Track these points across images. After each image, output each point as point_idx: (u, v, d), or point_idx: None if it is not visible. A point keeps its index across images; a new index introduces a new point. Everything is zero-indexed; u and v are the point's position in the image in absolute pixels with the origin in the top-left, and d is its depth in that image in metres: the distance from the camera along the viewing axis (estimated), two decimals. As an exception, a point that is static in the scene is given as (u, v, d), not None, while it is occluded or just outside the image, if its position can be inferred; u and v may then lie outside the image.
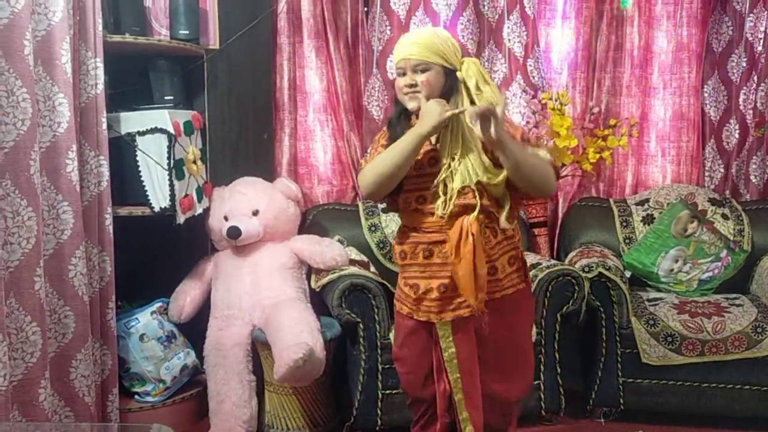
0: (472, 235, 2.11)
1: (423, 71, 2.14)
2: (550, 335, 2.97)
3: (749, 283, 3.45)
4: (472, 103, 2.14)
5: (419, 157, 2.18)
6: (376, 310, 2.84)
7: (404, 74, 2.17)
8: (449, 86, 2.17)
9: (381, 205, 2.65)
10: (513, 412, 2.41)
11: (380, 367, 2.85)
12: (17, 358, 2.37)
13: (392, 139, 2.18)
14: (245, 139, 3.40)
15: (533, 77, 3.72)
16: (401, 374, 2.41)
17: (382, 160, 2.15)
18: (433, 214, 2.18)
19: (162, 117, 2.85)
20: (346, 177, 3.73)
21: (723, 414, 3.01)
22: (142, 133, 2.84)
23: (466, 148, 2.14)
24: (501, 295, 2.23)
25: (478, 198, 2.13)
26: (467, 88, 2.17)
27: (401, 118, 2.23)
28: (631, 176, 3.91)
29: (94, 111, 2.69)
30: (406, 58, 2.15)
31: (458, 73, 2.17)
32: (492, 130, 1.99)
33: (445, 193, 2.15)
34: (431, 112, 2.08)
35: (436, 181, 2.15)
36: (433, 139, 2.18)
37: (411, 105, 2.17)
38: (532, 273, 2.99)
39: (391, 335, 2.83)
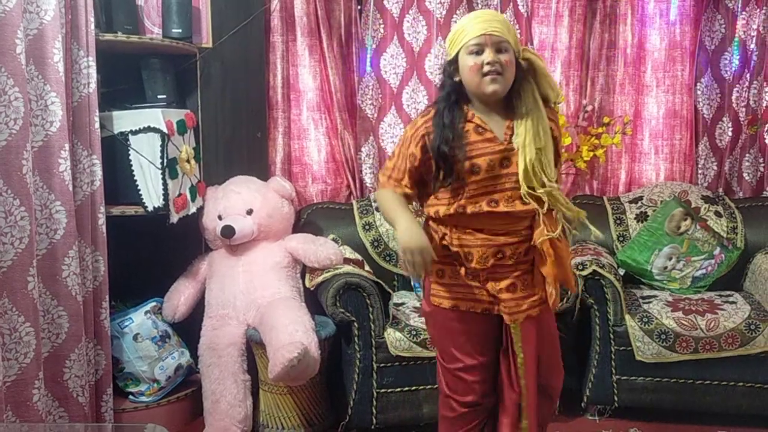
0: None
1: (504, 51, 1.95)
2: (544, 333, 2.97)
3: (742, 280, 3.46)
4: (544, 98, 2.04)
5: (492, 157, 2.02)
6: (370, 308, 2.84)
7: (479, 53, 1.96)
8: (519, 76, 2.01)
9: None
10: (557, 402, 2.39)
11: (375, 366, 2.85)
12: (11, 358, 2.36)
13: (434, 131, 2.03)
14: (239, 138, 3.39)
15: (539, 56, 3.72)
16: (473, 383, 2.18)
17: (383, 208, 2.14)
18: (503, 216, 2.04)
19: (155, 116, 2.84)
20: (340, 176, 3.73)
21: (717, 411, 3.02)
22: (135, 132, 2.83)
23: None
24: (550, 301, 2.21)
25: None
26: (536, 79, 2.03)
27: (453, 109, 2.03)
28: (625, 174, 3.91)
29: (86, 110, 2.68)
30: (489, 34, 1.94)
31: (522, 62, 2.02)
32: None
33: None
34: (412, 245, 1.94)
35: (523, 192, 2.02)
36: (502, 134, 2.03)
37: (491, 88, 1.97)
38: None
39: (387, 334, 2.84)
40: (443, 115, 2.04)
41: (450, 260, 2.14)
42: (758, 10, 3.67)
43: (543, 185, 2.02)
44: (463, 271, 2.12)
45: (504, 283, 2.10)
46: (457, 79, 2.05)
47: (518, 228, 2.09)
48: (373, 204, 3.54)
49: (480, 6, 3.71)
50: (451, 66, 2.06)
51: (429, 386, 2.86)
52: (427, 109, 2.14)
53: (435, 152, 2.04)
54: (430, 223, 2.18)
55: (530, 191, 2.02)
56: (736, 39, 3.75)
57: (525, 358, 2.14)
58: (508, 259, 2.09)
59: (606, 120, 3.73)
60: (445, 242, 2.12)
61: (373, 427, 2.88)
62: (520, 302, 2.11)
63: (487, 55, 1.95)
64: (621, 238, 3.57)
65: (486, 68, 1.96)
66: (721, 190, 3.82)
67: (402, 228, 1.99)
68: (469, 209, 2.05)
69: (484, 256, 2.08)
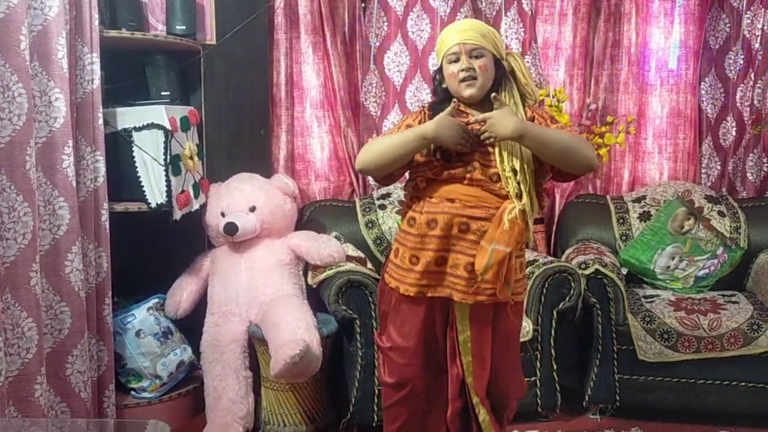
0: (525, 222, 2.08)
1: (478, 57, 2.11)
2: (546, 332, 2.97)
3: (745, 280, 3.46)
4: (522, 96, 2.16)
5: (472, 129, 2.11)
6: (372, 306, 2.84)
7: (456, 61, 2.12)
8: (499, 76, 2.14)
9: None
10: (511, 408, 2.39)
11: (377, 363, 2.85)
12: (13, 353, 2.36)
13: (436, 113, 2.13)
14: (242, 135, 3.39)
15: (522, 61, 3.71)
16: (399, 366, 2.25)
17: (383, 143, 2.14)
18: (476, 185, 2.12)
19: (158, 112, 2.84)
20: (343, 173, 3.73)
21: (718, 411, 3.02)
22: (138, 129, 2.83)
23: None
24: (519, 299, 2.23)
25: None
26: (515, 80, 2.16)
27: (444, 107, 2.14)
28: (628, 173, 3.91)
29: (90, 106, 2.68)
30: (462, 43, 2.10)
31: (505, 63, 2.15)
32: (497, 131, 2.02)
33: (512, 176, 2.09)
34: (443, 124, 2.05)
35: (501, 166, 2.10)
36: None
37: (467, 92, 2.12)
38: (528, 270, 3.00)
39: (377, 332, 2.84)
40: (439, 110, 2.15)
41: (419, 245, 2.17)
42: (763, 9, 3.66)
43: (521, 168, 2.10)
44: (427, 253, 2.15)
45: (463, 260, 2.12)
46: (444, 85, 2.21)
47: (488, 204, 2.12)
48: (376, 202, 3.54)
49: (484, 4, 3.70)
50: (439, 74, 2.22)
51: (431, 384, 2.86)
52: (423, 106, 2.29)
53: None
54: (408, 209, 2.25)
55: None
56: (740, 38, 3.74)
57: (473, 338, 2.19)
58: (471, 234, 2.11)
59: (609, 119, 3.73)
60: (413, 226, 2.18)
61: (374, 424, 2.88)
62: (474, 284, 2.11)
63: (462, 63, 2.11)
64: (624, 238, 3.56)
65: (461, 75, 2.12)
66: (724, 189, 3.81)
67: (425, 129, 2.08)
68: (446, 173, 2.14)
69: (449, 224, 2.12)
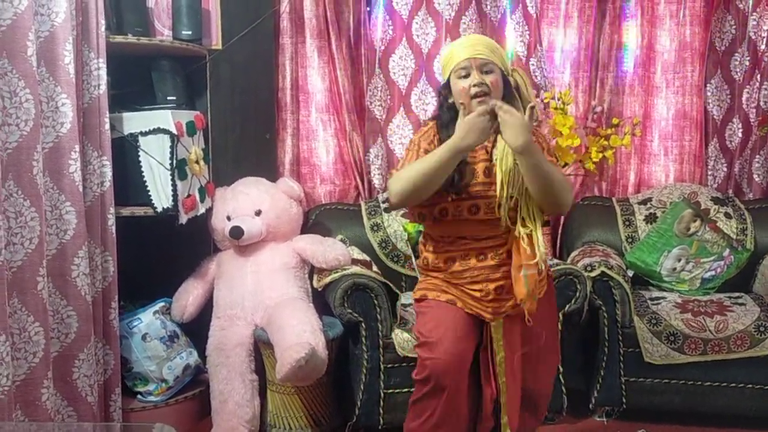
0: (537, 246, 2.11)
1: (489, 72, 2.08)
2: (552, 334, 2.97)
3: (752, 282, 3.44)
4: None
5: (474, 166, 2.14)
6: (378, 309, 2.84)
7: (466, 76, 2.08)
8: (507, 92, 2.12)
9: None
10: (545, 407, 2.42)
11: (382, 366, 2.85)
12: (20, 358, 2.38)
13: (442, 140, 2.11)
14: (248, 139, 3.40)
15: (536, 76, 3.72)
16: (428, 360, 2.19)
17: (416, 171, 2.05)
18: (486, 222, 2.16)
19: (164, 117, 2.85)
20: (349, 177, 3.73)
21: (725, 413, 3.01)
22: (144, 134, 2.85)
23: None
24: (541, 293, 2.25)
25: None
26: (521, 97, 2.13)
27: (453, 122, 2.10)
28: (634, 175, 3.90)
29: (96, 111, 2.70)
30: (473, 57, 2.07)
31: (511, 79, 2.14)
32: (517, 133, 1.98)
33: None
34: (474, 127, 1.98)
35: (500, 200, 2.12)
36: (484, 151, 2.15)
37: (481, 109, 2.05)
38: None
39: (394, 335, 2.84)
40: (447, 126, 2.15)
41: (444, 283, 2.26)
42: (769, 10, 3.66)
43: (520, 194, 2.11)
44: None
45: (491, 286, 2.18)
46: (451, 101, 2.18)
47: (498, 233, 2.18)
48: (381, 205, 3.55)
49: (489, 7, 3.71)
50: (446, 89, 2.19)
51: (436, 387, 2.85)
52: (425, 122, 2.27)
53: None
54: (422, 248, 2.34)
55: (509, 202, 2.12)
56: (746, 40, 3.73)
57: (506, 357, 2.22)
58: (490, 260, 2.18)
59: (615, 121, 3.72)
60: (428, 266, 2.28)
61: (380, 427, 2.88)
62: (503, 303, 2.18)
63: (474, 78, 2.08)
64: (630, 240, 3.56)
65: (473, 90, 2.08)
66: (730, 191, 3.80)
67: (456, 141, 2.01)
68: (451, 213, 2.17)
69: (467, 257, 2.19)
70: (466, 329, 2.23)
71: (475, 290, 2.20)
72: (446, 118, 2.17)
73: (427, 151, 2.13)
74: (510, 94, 2.14)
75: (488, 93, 2.07)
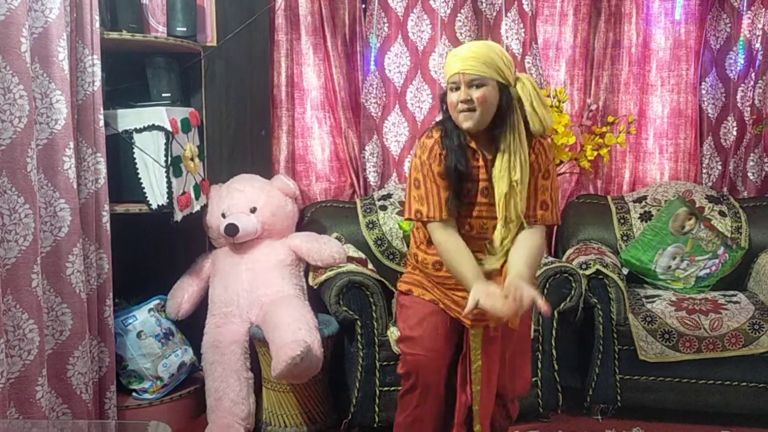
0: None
1: (479, 86, 2.05)
2: (547, 332, 2.97)
3: (746, 280, 3.45)
4: (525, 123, 2.10)
5: (470, 186, 2.16)
6: (373, 307, 2.84)
7: (457, 89, 2.08)
8: (505, 103, 2.08)
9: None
10: (515, 408, 2.44)
11: (378, 364, 2.85)
12: (14, 355, 2.37)
13: (447, 150, 2.12)
14: (243, 136, 3.39)
15: (531, 74, 3.72)
16: (409, 355, 2.26)
17: (445, 259, 2.17)
18: (476, 239, 2.19)
19: (159, 114, 2.84)
20: (344, 174, 3.73)
21: (720, 411, 3.02)
22: (139, 131, 2.84)
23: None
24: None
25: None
26: (521, 107, 2.09)
27: (455, 130, 2.14)
28: (629, 173, 3.91)
29: (91, 108, 2.69)
30: (461, 72, 2.05)
31: (512, 90, 2.09)
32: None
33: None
34: (499, 309, 1.99)
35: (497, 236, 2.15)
36: (484, 170, 2.16)
37: (466, 125, 2.09)
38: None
39: (390, 332, 2.84)
40: (452, 137, 2.14)
41: (428, 284, 2.30)
42: (764, 9, 3.66)
43: (518, 216, 2.13)
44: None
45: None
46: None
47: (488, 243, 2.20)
48: (376, 203, 3.55)
49: (485, 5, 3.70)
50: (445, 96, 2.19)
51: (432, 385, 2.86)
52: (430, 131, 2.22)
53: (451, 171, 2.13)
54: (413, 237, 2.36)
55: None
56: (741, 38, 3.75)
57: (483, 366, 2.23)
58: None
59: (610, 119, 3.73)
60: (417, 263, 2.31)
61: (375, 425, 2.89)
62: (485, 313, 2.12)
63: (461, 93, 2.07)
64: (625, 238, 3.56)
65: (459, 106, 2.08)
66: (725, 189, 3.81)
67: (477, 290, 2.04)
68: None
69: None
70: (447, 330, 2.27)
71: (458, 296, 2.21)
72: (450, 126, 2.16)
73: (440, 174, 2.13)
74: (508, 106, 2.09)
75: (473, 110, 2.06)
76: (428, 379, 2.27)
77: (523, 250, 2.12)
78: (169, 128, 2.83)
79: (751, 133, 3.74)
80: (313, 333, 2.77)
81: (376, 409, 2.87)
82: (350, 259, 3.14)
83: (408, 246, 3.30)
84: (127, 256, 2.96)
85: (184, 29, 3.06)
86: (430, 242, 2.24)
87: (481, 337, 2.21)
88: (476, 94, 2.05)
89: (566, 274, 2.95)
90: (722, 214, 3.55)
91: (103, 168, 2.73)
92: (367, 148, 3.73)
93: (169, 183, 2.84)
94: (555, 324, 2.98)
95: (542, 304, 1.96)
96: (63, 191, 2.54)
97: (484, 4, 3.71)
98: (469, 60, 2.06)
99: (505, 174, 2.09)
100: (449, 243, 2.15)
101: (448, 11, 3.65)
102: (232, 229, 3.02)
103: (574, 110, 3.81)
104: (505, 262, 2.16)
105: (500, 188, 2.10)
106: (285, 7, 3.52)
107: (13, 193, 2.33)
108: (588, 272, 3.04)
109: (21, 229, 2.35)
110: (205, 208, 3.16)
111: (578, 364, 3.19)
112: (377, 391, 2.86)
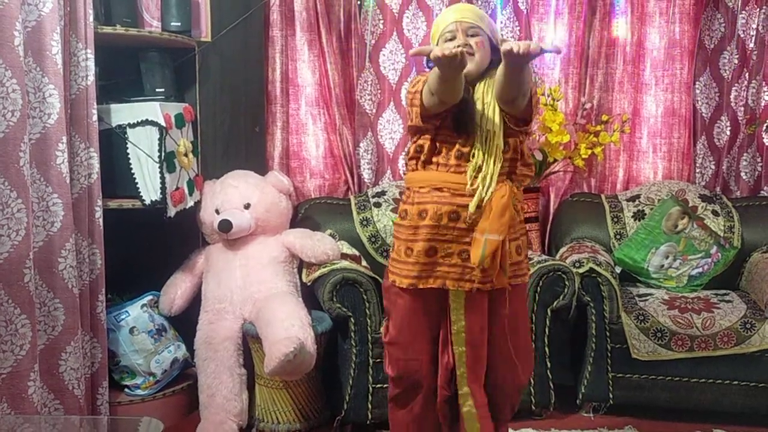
0: (512, 207, 2.08)
1: (474, 35, 2.10)
2: (540, 330, 2.98)
3: (739, 279, 3.47)
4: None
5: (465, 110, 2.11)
6: (367, 304, 2.84)
7: (452, 39, 2.11)
8: (495, 59, 2.09)
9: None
10: (517, 400, 2.40)
11: (371, 361, 2.85)
12: (6, 350, 2.36)
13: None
14: (237, 132, 3.39)
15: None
16: (398, 360, 2.27)
17: (434, 78, 2.01)
18: (463, 175, 2.11)
19: (153, 109, 2.83)
20: (339, 171, 3.73)
21: (711, 409, 3.03)
22: (132, 126, 2.83)
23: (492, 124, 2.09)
24: (520, 281, 2.23)
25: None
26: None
27: None
28: (623, 172, 3.92)
29: (84, 103, 2.67)
30: (458, 21, 2.11)
31: (500, 47, 2.02)
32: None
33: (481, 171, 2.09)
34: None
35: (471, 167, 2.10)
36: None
37: (467, 67, 2.04)
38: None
39: (383, 329, 2.84)
40: None
41: (412, 237, 2.18)
42: (758, 9, 3.67)
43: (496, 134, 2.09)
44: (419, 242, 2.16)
45: (455, 248, 2.14)
46: None
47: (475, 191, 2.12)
48: (371, 200, 3.54)
49: (479, 2, 3.69)
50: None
51: (425, 382, 2.86)
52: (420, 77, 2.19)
53: None
54: (400, 202, 2.28)
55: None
56: (735, 38, 3.75)
57: (467, 327, 2.19)
58: (461, 222, 2.12)
59: (604, 118, 3.73)
60: (405, 218, 2.20)
61: (368, 422, 2.89)
62: (468, 271, 2.13)
63: (459, 39, 2.10)
64: (618, 236, 3.57)
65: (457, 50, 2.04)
66: (718, 189, 3.82)
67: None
68: (441, 161, 2.15)
69: (438, 213, 2.13)
70: (426, 327, 2.24)
71: (438, 252, 2.15)
72: None
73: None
74: (499, 60, 2.07)
75: (472, 53, 2.09)
76: (419, 381, 2.27)
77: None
78: (163, 123, 2.82)
79: (744, 132, 3.76)
80: (306, 330, 2.76)
81: (369, 406, 2.87)
82: (344, 256, 3.14)
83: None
84: (120, 252, 2.95)
85: (179, 24, 3.05)
86: (414, 191, 2.19)
87: (463, 298, 2.17)
88: (474, 40, 2.10)
89: (559, 273, 2.95)
90: (715, 213, 3.56)
91: (96, 163, 2.72)
92: (361, 145, 3.73)
93: (162, 178, 2.83)
94: (548, 322, 2.98)
95: (549, 45, 1.90)
96: (56, 186, 2.53)
97: (479, 2, 3.70)
98: (465, 11, 2.15)
99: (488, 92, 2.10)
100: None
101: (443, 8, 3.64)
102: (225, 225, 3.02)
103: (568, 109, 3.81)
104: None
105: (485, 103, 2.09)
106: (280, 2, 3.51)
107: (6, 188, 2.32)
108: (581, 270, 3.04)
109: (13, 223, 2.34)
110: (198, 203, 3.16)
111: (571, 362, 3.20)
112: (370, 388, 2.86)
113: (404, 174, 2.28)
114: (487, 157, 2.10)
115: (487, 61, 2.13)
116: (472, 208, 2.10)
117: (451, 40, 2.11)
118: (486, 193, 2.09)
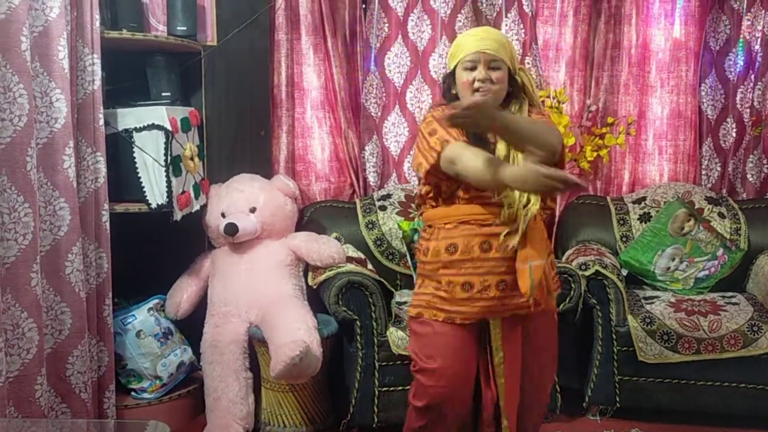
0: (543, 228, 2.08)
1: (495, 69, 2.07)
2: (546, 333, 2.97)
3: (745, 281, 3.46)
4: (531, 105, 2.15)
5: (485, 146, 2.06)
6: (373, 307, 2.84)
7: (473, 69, 2.07)
8: (511, 90, 2.11)
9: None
10: (542, 418, 2.38)
11: (377, 364, 2.85)
12: (13, 354, 2.37)
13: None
14: (243, 136, 3.39)
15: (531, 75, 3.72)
16: (428, 387, 2.15)
17: (465, 168, 1.96)
18: (492, 203, 2.06)
19: (159, 113, 2.84)
20: (344, 174, 3.73)
21: (718, 412, 3.02)
22: (139, 130, 2.84)
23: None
24: (551, 306, 2.20)
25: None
26: (526, 95, 2.13)
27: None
28: (629, 174, 3.91)
29: (91, 107, 2.69)
30: (482, 51, 2.06)
31: (517, 77, 2.12)
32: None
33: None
34: (534, 182, 1.81)
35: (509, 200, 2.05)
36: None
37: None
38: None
39: (389, 333, 2.84)
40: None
41: (442, 273, 2.13)
42: (763, 11, 3.67)
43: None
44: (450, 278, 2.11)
45: (493, 280, 2.08)
46: (454, 91, 2.16)
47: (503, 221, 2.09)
48: (376, 203, 3.54)
49: (485, 5, 3.71)
50: (450, 79, 2.17)
51: (431, 385, 2.85)
52: (436, 108, 2.17)
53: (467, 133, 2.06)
54: (422, 239, 2.22)
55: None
56: (740, 40, 3.75)
57: (505, 358, 2.15)
58: (494, 252, 2.07)
59: (610, 120, 3.73)
60: (427, 255, 2.14)
61: (374, 425, 2.88)
62: (506, 301, 2.10)
63: (479, 72, 2.07)
64: (624, 239, 3.56)
65: (476, 84, 2.07)
66: (724, 191, 3.81)
67: (506, 176, 1.88)
68: (462, 194, 2.09)
69: (469, 245, 2.08)
70: (468, 349, 2.16)
71: (475, 287, 2.10)
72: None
73: (446, 141, 2.02)
74: (517, 92, 2.14)
75: (491, 90, 2.06)
76: (455, 410, 2.19)
77: None
78: (169, 127, 2.83)
79: (750, 134, 3.75)
80: (312, 333, 2.77)
81: (375, 409, 2.87)
82: (349, 260, 3.14)
83: (407, 247, 3.31)
84: (127, 256, 2.96)
85: (185, 28, 3.06)
86: (436, 228, 2.13)
87: (500, 327, 2.13)
88: (495, 74, 2.07)
89: (565, 275, 2.95)
90: (721, 215, 3.55)
91: (102, 167, 2.73)
92: (366, 148, 3.73)
93: (168, 182, 2.84)
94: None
95: (576, 179, 1.82)
96: (62, 190, 2.54)
97: (484, 5, 3.71)
98: (488, 40, 2.08)
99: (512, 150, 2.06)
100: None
101: (449, 11, 3.65)
102: (231, 229, 3.02)
103: (573, 111, 3.81)
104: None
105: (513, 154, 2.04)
106: (285, 6, 3.52)
107: (13, 192, 2.33)
108: (587, 273, 3.04)
109: (20, 227, 2.35)
110: (204, 207, 3.16)
111: (577, 365, 3.19)
112: (376, 392, 2.86)
113: (420, 214, 2.24)
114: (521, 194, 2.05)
115: (503, 96, 2.11)
116: (515, 242, 2.04)
117: (470, 69, 2.08)
118: (524, 224, 2.04)
